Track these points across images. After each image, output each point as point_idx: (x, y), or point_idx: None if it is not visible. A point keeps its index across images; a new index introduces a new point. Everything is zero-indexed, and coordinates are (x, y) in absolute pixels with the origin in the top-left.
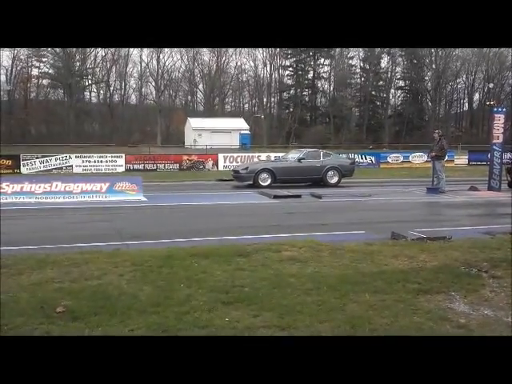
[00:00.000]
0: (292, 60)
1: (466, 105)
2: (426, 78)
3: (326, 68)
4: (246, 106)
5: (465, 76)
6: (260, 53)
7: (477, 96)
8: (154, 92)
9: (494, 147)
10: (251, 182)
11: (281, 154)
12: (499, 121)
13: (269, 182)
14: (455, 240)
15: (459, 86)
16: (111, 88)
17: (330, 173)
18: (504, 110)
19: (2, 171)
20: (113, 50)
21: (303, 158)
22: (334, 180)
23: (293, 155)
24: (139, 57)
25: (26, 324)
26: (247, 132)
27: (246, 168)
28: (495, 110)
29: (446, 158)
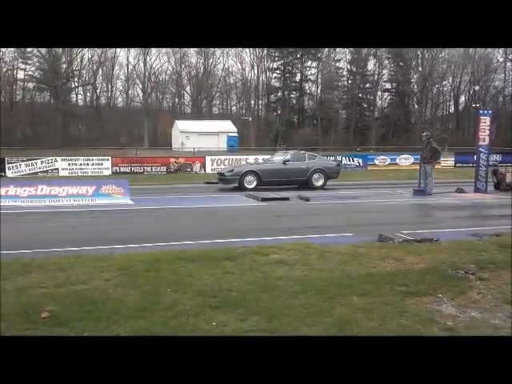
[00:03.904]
0: (279, 62)
1: (452, 107)
2: (413, 80)
3: (313, 70)
4: (234, 108)
5: (451, 78)
6: (247, 55)
7: (462, 98)
8: (140, 94)
9: (480, 149)
10: (236, 185)
11: (269, 157)
12: (485, 123)
13: (254, 184)
14: (442, 242)
15: (445, 89)
16: (98, 90)
17: (315, 175)
18: (490, 112)
19: None
20: (99, 51)
21: (288, 160)
22: (320, 182)
23: (278, 157)
24: (126, 59)
25: (10, 329)
26: (235, 134)
27: (232, 170)
28: (481, 112)
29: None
